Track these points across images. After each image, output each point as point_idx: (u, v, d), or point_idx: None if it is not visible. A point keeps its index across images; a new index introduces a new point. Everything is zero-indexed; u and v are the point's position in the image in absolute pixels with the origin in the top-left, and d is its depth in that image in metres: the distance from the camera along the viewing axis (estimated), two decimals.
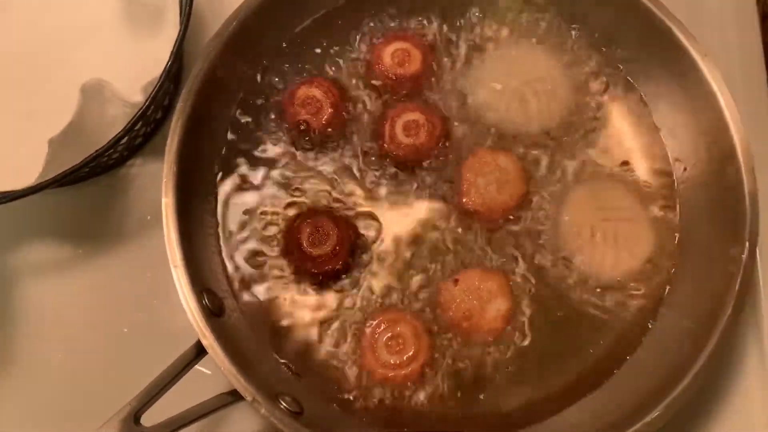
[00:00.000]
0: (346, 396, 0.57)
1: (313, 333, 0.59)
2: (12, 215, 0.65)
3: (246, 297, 0.59)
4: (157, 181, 0.65)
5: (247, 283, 0.59)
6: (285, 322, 0.59)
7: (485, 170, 0.60)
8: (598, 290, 0.59)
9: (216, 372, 0.60)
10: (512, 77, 0.63)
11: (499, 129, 0.63)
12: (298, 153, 0.62)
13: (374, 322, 0.58)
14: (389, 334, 0.57)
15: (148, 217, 0.66)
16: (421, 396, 0.57)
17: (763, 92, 0.68)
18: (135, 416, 0.49)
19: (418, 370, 0.57)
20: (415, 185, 0.61)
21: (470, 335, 0.57)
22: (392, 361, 0.56)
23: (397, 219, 0.61)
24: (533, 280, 0.59)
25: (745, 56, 0.69)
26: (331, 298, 0.59)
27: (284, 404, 0.53)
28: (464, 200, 0.59)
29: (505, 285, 0.58)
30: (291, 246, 0.59)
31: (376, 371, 0.57)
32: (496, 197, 0.59)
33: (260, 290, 0.59)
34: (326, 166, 0.62)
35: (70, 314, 0.64)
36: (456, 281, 0.58)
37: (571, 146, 0.62)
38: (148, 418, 0.50)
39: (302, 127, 0.62)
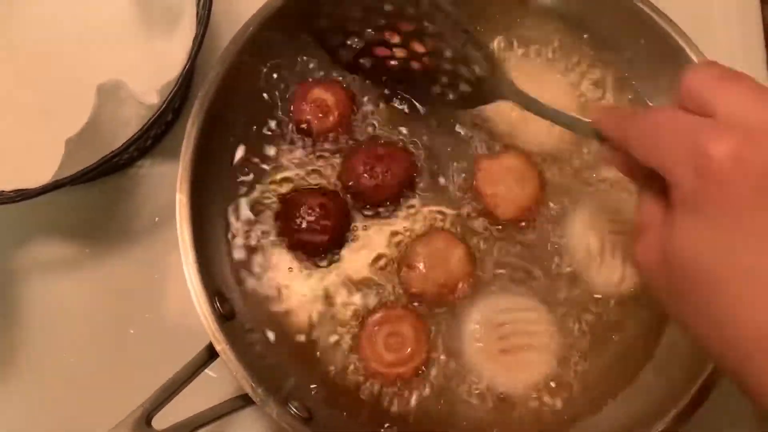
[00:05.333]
0: (352, 399, 0.57)
1: (321, 335, 0.59)
2: (19, 214, 0.65)
3: (255, 300, 0.59)
4: (166, 183, 0.66)
5: (256, 286, 0.59)
6: (293, 324, 0.59)
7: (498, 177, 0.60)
8: (606, 304, 0.60)
9: (221, 375, 0.61)
10: None
11: (502, 141, 0.63)
12: (310, 155, 0.63)
13: (376, 317, 0.58)
14: (390, 331, 0.57)
15: (156, 219, 0.66)
16: (425, 398, 0.58)
17: None
18: (147, 418, 0.49)
19: (413, 370, 0.57)
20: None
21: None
22: (389, 359, 0.57)
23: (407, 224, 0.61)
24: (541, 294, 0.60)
25: (750, 70, 0.70)
26: (339, 299, 0.60)
27: (294, 409, 0.53)
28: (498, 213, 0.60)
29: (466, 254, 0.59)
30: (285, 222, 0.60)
31: (371, 366, 0.57)
32: (519, 194, 0.60)
33: (269, 293, 0.59)
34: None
35: (77, 314, 0.64)
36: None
37: (577, 157, 0.63)
38: (155, 421, 0.50)
39: (303, 126, 0.62)
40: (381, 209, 0.61)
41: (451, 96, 0.60)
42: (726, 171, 0.35)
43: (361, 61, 0.62)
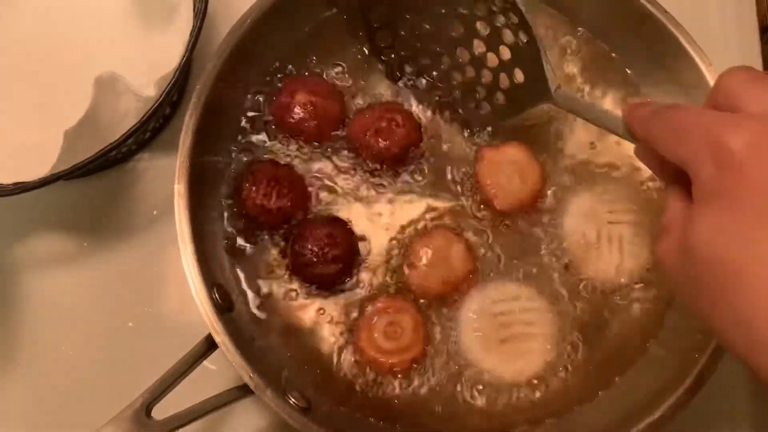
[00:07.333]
0: (349, 389, 0.58)
1: (318, 327, 0.59)
2: (17, 207, 0.65)
3: (252, 292, 0.59)
4: (164, 176, 0.66)
5: (253, 278, 0.60)
6: (290, 315, 0.59)
7: (499, 168, 0.61)
8: (604, 293, 0.60)
9: (220, 367, 0.61)
10: None
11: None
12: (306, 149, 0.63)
13: (376, 306, 0.58)
14: (389, 320, 0.58)
15: (155, 212, 0.66)
16: (423, 388, 0.58)
17: None
18: (147, 409, 0.49)
19: (409, 361, 0.58)
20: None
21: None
22: (387, 347, 0.57)
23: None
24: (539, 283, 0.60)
25: (744, 60, 0.70)
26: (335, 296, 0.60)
27: (292, 399, 0.53)
28: (495, 203, 0.60)
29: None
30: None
31: (368, 353, 0.57)
32: (519, 185, 0.60)
33: (265, 285, 0.60)
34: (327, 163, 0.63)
35: (76, 307, 0.64)
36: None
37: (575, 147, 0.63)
38: (155, 412, 0.51)
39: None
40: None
41: (483, 111, 0.62)
42: (743, 159, 0.35)
43: (406, 67, 0.64)
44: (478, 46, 0.59)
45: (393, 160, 0.62)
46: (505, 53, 0.57)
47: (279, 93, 0.62)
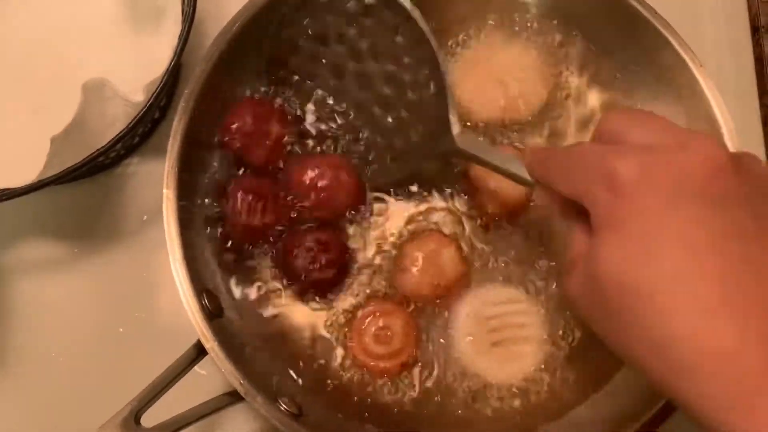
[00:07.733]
0: (341, 394, 0.57)
1: (308, 332, 0.59)
2: (4, 213, 0.65)
3: (242, 297, 0.59)
4: (153, 181, 0.65)
5: (243, 283, 0.59)
6: (280, 320, 0.59)
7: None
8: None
9: (210, 373, 0.61)
10: (502, 80, 0.64)
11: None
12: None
13: (367, 310, 0.58)
14: (380, 324, 0.57)
15: (144, 217, 0.66)
16: (415, 392, 0.58)
17: (754, 102, 0.70)
18: (135, 416, 0.49)
19: (400, 365, 0.57)
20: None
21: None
22: (378, 351, 0.57)
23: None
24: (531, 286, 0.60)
25: (737, 68, 0.71)
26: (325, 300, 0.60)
27: (283, 405, 0.53)
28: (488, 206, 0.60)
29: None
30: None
31: (359, 358, 0.57)
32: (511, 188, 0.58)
33: (255, 290, 0.59)
34: None
35: (65, 313, 0.64)
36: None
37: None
38: (144, 419, 0.50)
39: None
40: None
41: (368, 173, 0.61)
42: (634, 183, 0.36)
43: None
44: (376, 105, 0.59)
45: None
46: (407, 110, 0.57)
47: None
